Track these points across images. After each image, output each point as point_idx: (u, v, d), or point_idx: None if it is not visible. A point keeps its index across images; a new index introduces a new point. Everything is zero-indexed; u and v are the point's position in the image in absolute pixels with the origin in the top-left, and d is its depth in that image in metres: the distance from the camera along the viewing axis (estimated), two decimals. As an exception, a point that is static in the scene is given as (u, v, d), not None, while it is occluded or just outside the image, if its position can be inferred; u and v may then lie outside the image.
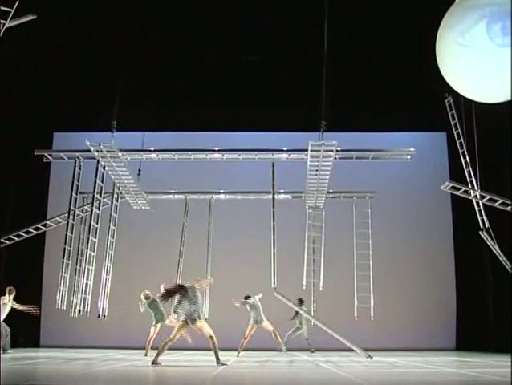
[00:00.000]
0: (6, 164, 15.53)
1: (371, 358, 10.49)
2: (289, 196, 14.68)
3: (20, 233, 13.64)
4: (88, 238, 12.09)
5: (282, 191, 14.33)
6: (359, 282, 14.10)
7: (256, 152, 12.29)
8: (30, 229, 13.75)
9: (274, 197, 12.08)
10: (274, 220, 11.70)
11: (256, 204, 14.96)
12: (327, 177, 12.26)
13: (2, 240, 13.53)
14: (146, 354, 12.04)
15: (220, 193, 14.93)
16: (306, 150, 11.23)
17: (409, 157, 12.22)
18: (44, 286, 16.69)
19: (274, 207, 11.91)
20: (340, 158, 11.90)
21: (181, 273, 14.30)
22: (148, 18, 13.90)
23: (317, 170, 11.83)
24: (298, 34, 14.26)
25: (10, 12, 7.81)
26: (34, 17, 8.29)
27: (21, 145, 16.45)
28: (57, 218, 13.71)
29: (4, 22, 7.80)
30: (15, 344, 14.47)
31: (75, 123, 16.49)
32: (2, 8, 7.77)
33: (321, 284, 13.81)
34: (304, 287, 13.56)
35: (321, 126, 10.74)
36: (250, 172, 15.16)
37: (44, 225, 14.09)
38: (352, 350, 14.17)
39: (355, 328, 14.53)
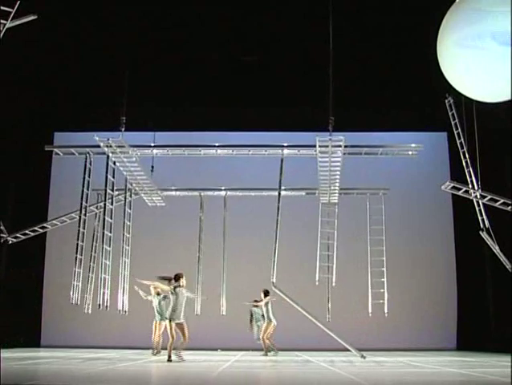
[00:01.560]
0: (7, 165, 15.53)
1: (365, 357, 10.53)
2: (303, 193, 14.48)
3: (36, 228, 13.65)
4: (103, 233, 12.04)
5: (291, 187, 14.17)
6: (371, 279, 13.95)
7: (266, 148, 12.35)
8: (45, 225, 13.76)
9: (280, 193, 12.19)
10: (278, 215, 11.82)
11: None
12: (338, 173, 12.24)
13: (8, 238, 13.52)
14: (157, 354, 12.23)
15: (234, 190, 14.75)
16: (315, 146, 11.24)
17: (415, 152, 12.27)
18: (45, 286, 16.70)
19: (279, 202, 12.04)
20: (350, 154, 11.94)
21: (202, 271, 14.18)
22: (148, 18, 13.90)
23: (327, 166, 11.84)
24: (298, 34, 14.26)
25: (11, 12, 7.81)
26: (35, 17, 8.29)
27: (21, 145, 16.46)
28: (72, 214, 13.61)
29: (5, 22, 7.79)
30: (16, 344, 14.51)
31: (76, 123, 16.50)
32: (3, 8, 7.76)
33: (334, 280, 13.63)
34: (317, 283, 13.42)
35: (329, 122, 10.76)
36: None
37: (43, 227, 14.05)
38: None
39: (355, 327, 14.56)
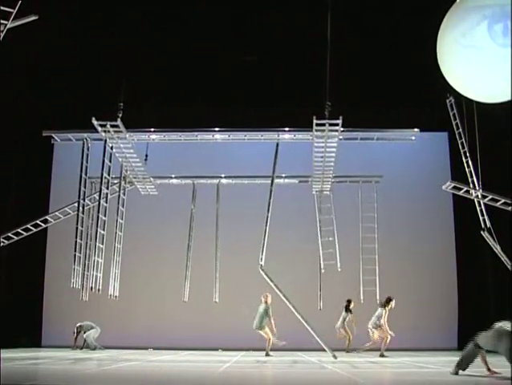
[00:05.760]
0: (7, 164, 15.52)
1: (336, 358, 10.56)
2: (295, 181, 14.34)
3: (28, 226, 13.51)
4: (98, 217, 11.95)
5: (285, 175, 14.06)
6: (364, 266, 13.89)
7: (262, 133, 12.46)
8: (38, 221, 13.64)
9: (273, 178, 12.24)
10: (270, 198, 11.92)
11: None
12: (333, 159, 12.21)
13: (8, 234, 13.37)
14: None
15: (228, 178, 14.60)
16: (311, 129, 11.21)
17: (413, 138, 12.32)
18: (46, 286, 16.69)
19: (272, 185, 12.13)
20: (345, 139, 11.95)
21: (191, 258, 14.05)
22: (148, 18, 13.90)
23: (322, 151, 11.81)
24: (298, 34, 14.25)
25: (12, 13, 7.80)
26: (36, 17, 8.29)
27: (21, 145, 16.45)
28: (65, 209, 13.50)
29: (5, 22, 7.79)
30: (18, 344, 14.53)
31: (75, 123, 16.45)
32: (4, 9, 7.76)
33: (338, 265, 13.57)
34: (323, 270, 13.37)
35: (326, 107, 10.78)
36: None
37: (45, 221, 13.97)
38: (352, 350, 14.21)
39: (356, 327, 14.53)
